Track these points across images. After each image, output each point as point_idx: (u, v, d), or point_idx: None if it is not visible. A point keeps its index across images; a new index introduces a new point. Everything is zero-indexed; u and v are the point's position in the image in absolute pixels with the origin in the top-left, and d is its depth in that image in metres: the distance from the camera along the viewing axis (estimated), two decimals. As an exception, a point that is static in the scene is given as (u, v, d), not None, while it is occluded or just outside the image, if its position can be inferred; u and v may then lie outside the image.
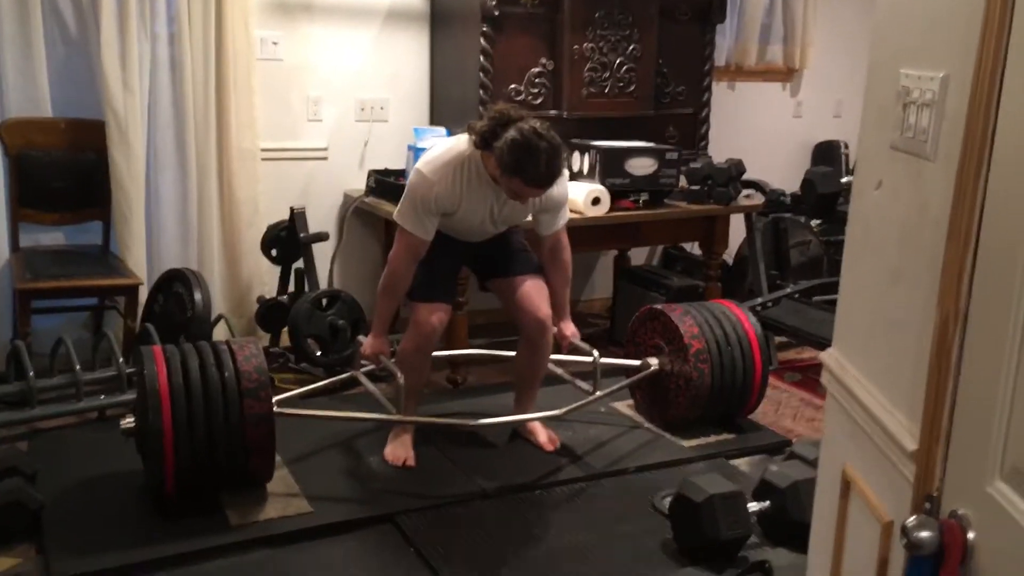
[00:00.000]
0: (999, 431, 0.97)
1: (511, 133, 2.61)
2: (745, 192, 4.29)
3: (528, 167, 2.61)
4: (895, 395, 1.28)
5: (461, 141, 2.80)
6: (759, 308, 4.08)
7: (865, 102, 1.44)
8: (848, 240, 1.49)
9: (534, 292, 3.01)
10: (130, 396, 3.12)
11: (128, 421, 2.65)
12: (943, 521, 1.05)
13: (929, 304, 1.16)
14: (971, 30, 1.05)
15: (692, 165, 4.11)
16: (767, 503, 2.61)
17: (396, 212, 2.86)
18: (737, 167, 4.10)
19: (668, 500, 2.72)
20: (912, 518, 1.05)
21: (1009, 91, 0.99)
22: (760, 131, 5.15)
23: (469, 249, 3.03)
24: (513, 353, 3.34)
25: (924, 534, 1.03)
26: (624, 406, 3.51)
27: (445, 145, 2.85)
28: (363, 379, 3.11)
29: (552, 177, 2.69)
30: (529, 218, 3.02)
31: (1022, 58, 0.96)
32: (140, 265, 3.67)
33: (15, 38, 3.45)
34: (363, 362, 3.13)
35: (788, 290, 4.34)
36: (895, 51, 1.33)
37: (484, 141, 2.69)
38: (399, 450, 3.03)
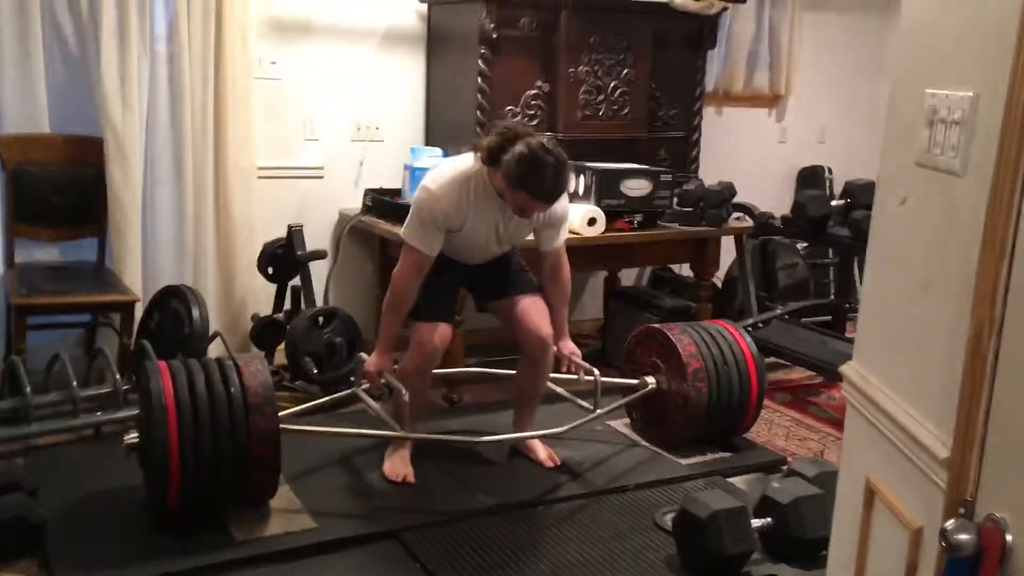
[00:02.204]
0: (1038, 434, 1.01)
1: (519, 147, 2.66)
2: (735, 215, 4.36)
3: (535, 181, 2.65)
4: (923, 404, 1.31)
5: (467, 159, 2.83)
6: (750, 329, 4.13)
7: (887, 121, 1.49)
8: (870, 255, 1.52)
9: (535, 311, 3.04)
10: (127, 413, 3.10)
11: (132, 436, 2.63)
12: (981, 524, 1.08)
13: (959, 313, 1.19)
14: (1003, 47, 1.10)
15: (685, 187, 4.17)
16: (769, 520, 2.64)
17: (403, 229, 2.88)
18: (729, 190, 4.17)
19: (670, 516, 2.74)
20: (951, 521, 1.08)
21: (1046, 107, 1.03)
22: (746, 155, 5.24)
23: (468, 271, 3.06)
24: (509, 372, 3.37)
25: (963, 537, 1.07)
26: (621, 424, 3.54)
27: (451, 163, 2.88)
28: (364, 396, 3.11)
29: (558, 192, 2.73)
30: (531, 237, 3.05)
31: (1059, 76, 1.01)
32: (136, 282, 3.66)
33: (15, 54, 3.45)
34: (364, 380, 3.13)
35: (779, 311, 4.40)
36: (919, 71, 1.38)
37: (492, 156, 2.72)
38: (398, 466, 3.03)
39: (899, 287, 1.40)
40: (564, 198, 2.96)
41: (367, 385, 3.12)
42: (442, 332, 2.93)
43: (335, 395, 3.30)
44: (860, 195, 4.17)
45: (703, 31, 4.44)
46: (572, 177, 3.94)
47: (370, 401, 3.07)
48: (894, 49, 1.50)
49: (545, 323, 3.03)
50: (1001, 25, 1.12)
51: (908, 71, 1.44)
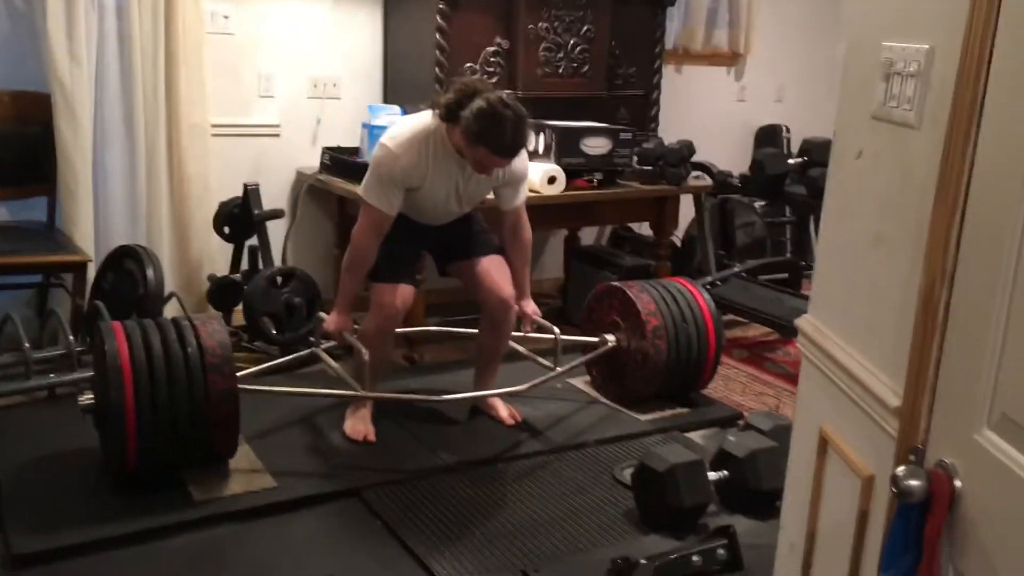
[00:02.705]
0: (987, 382, 1.03)
1: (477, 102, 2.63)
2: (694, 173, 4.37)
3: (494, 135, 2.64)
4: (876, 355, 1.34)
5: (425, 116, 2.80)
6: (708, 287, 4.17)
7: (843, 75, 1.49)
8: (826, 209, 1.54)
9: (496, 272, 3.03)
10: (81, 374, 3.06)
11: (87, 397, 2.59)
12: (931, 470, 1.11)
13: (912, 266, 1.21)
14: (959, 2, 1.11)
15: (644, 146, 4.17)
16: (725, 472, 2.69)
17: (361, 187, 2.85)
18: (688, 148, 4.18)
19: (629, 471, 2.78)
20: (901, 468, 1.11)
21: (999, 59, 1.04)
22: (705, 114, 5.25)
23: (430, 233, 3.03)
24: (470, 331, 3.37)
25: (913, 482, 1.09)
26: (581, 382, 3.57)
27: (410, 121, 2.84)
28: (324, 356, 3.10)
29: (517, 146, 2.72)
30: (491, 196, 3.04)
31: (1012, 27, 1.02)
32: (88, 242, 3.58)
33: (-46, 6, 3.34)
34: (323, 339, 3.12)
35: (736, 269, 4.45)
36: (875, 25, 1.38)
37: (450, 113, 2.70)
38: (359, 425, 3.03)
39: (854, 240, 1.42)
40: (524, 156, 2.94)
41: (327, 344, 3.10)
42: (403, 293, 2.92)
43: (295, 355, 3.28)
44: (818, 153, 4.21)
45: (663, -12, 4.41)
46: (532, 136, 3.92)
47: (330, 361, 3.06)
48: (850, 3, 1.50)
49: (507, 284, 3.03)
50: (957, -23, 1.13)
51: (864, 25, 1.44)
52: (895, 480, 1.09)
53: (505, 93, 2.72)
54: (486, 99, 2.64)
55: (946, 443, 1.11)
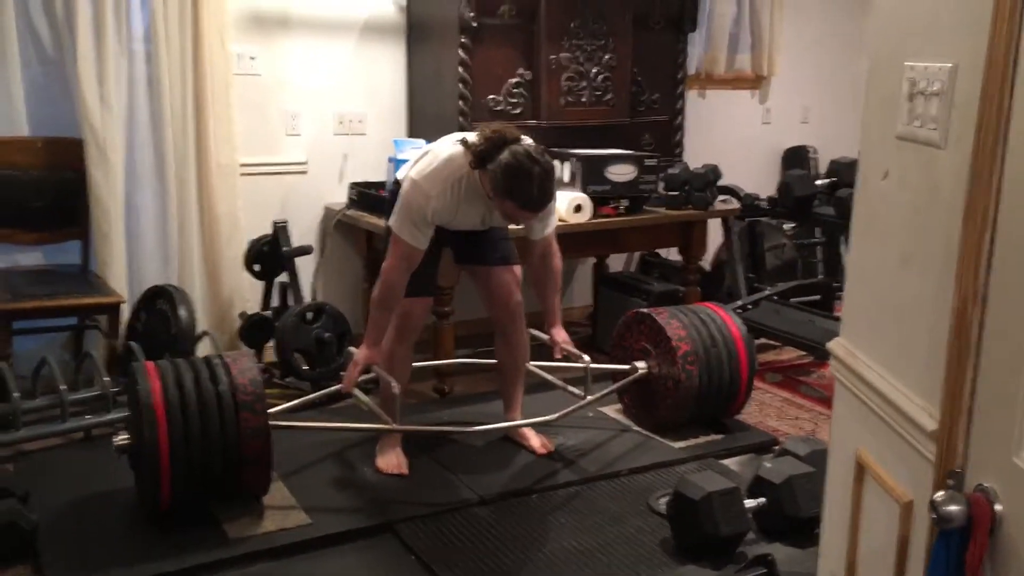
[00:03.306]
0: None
1: (505, 156, 2.63)
2: (721, 197, 4.36)
3: (521, 191, 2.65)
4: (909, 377, 1.31)
5: (457, 154, 2.80)
6: (739, 311, 4.13)
7: (866, 96, 1.48)
8: (854, 230, 1.52)
9: (508, 280, 3.08)
10: (116, 415, 3.10)
11: (122, 438, 2.62)
12: (970, 495, 1.08)
13: (942, 286, 1.19)
14: (980, 19, 1.10)
15: (670, 171, 4.16)
16: (762, 499, 2.64)
17: (392, 220, 2.86)
18: (714, 172, 4.16)
19: (664, 500, 2.75)
20: (940, 493, 1.09)
21: (1023, 75, 1.03)
22: (731, 138, 5.24)
23: (450, 234, 3.04)
24: (496, 360, 3.36)
25: (953, 508, 1.07)
26: (612, 410, 3.54)
27: (441, 156, 2.83)
28: (354, 390, 3.10)
29: (544, 201, 2.73)
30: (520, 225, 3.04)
31: (1036, 43, 1.01)
32: (121, 283, 3.64)
33: (-10, 57, 3.42)
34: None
35: (767, 292, 4.41)
36: (897, 45, 1.37)
37: (480, 161, 2.71)
38: (391, 459, 3.03)
39: (882, 261, 1.40)
40: (553, 196, 2.96)
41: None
42: (422, 304, 3.01)
43: (325, 390, 3.29)
44: (845, 173, 4.17)
45: (684, 14, 4.42)
46: (556, 165, 3.93)
47: (361, 395, 3.06)
48: (871, 24, 1.50)
49: (516, 291, 3.09)
50: (977, -5, 1.12)
51: (886, 45, 1.43)
52: (934, 506, 1.07)
53: (534, 145, 2.72)
54: (513, 153, 2.63)
55: (985, 466, 1.09)
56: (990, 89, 1.08)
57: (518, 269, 3.12)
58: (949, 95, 1.21)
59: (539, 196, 2.68)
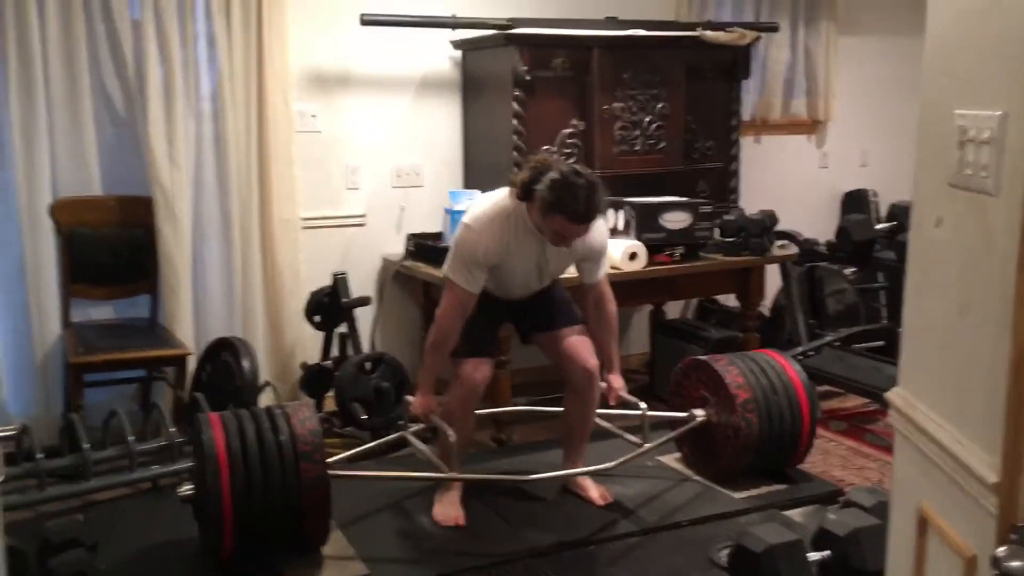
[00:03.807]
0: (1088, 456, 0.98)
1: (551, 175, 2.72)
2: (778, 243, 4.32)
3: (568, 203, 2.69)
4: (969, 428, 1.29)
5: (504, 196, 2.87)
6: (800, 357, 4.07)
7: (918, 143, 1.48)
8: (909, 279, 1.51)
9: (580, 343, 3.05)
10: (182, 465, 3.16)
11: (186, 488, 2.67)
12: (1034, 550, 1.06)
13: (1000, 335, 1.17)
14: (1028, 68, 1.09)
15: (726, 217, 4.15)
16: (827, 552, 2.58)
17: (445, 266, 2.91)
18: (770, 218, 4.14)
19: (725, 553, 2.70)
20: (1003, 548, 1.06)
21: (1073, 124, 1.02)
22: (788, 183, 5.20)
23: (511, 306, 3.08)
24: (557, 409, 3.36)
25: (1016, 563, 1.04)
26: (672, 459, 3.50)
27: (489, 200, 2.92)
28: (412, 439, 3.13)
29: (592, 212, 2.75)
30: (573, 272, 3.06)
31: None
32: (188, 335, 3.74)
33: (65, 120, 3.58)
34: (411, 422, 3.16)
35: (828, 338, 4.34)
36: (947, 93, 1.37)
37: (526, 191, 2.77)
38: (449, 509, 3.04)
39: (939, 310, 1.38)
40: (603, 230, 2.99)
41: (415, 427, 3.13)
42: (482, 367, 2.97)
43: (384, 439, 3.32)
44: (906, 217, 4.10)
45: (736, 62, 4.44)
46: (611, 213, 3.95)
47: (418, 443, 3.09)
48: (922, 71, 1.50)
49: (591, 355, 3.04)
50: (1025, 43, 1.12)
51: (936, 92, 1.43)
52: (996, 562, 1.05)
53: (577, 164, 2.77)
54: (559, 170, 2.73)
55: (1049, 521, 1.06)
56: (1040, 137, 1.07)
57: (586, 331, 3.09)
58: (1000, 142, 1.20)
59: (587, 207, 2.71)
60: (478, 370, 2.94)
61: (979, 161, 1.25)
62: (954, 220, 1.34)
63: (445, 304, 2.90)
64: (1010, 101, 1.18)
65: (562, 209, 2.70)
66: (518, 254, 2.87)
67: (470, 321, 2.93)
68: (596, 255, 3.00)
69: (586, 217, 2.75)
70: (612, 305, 3.09)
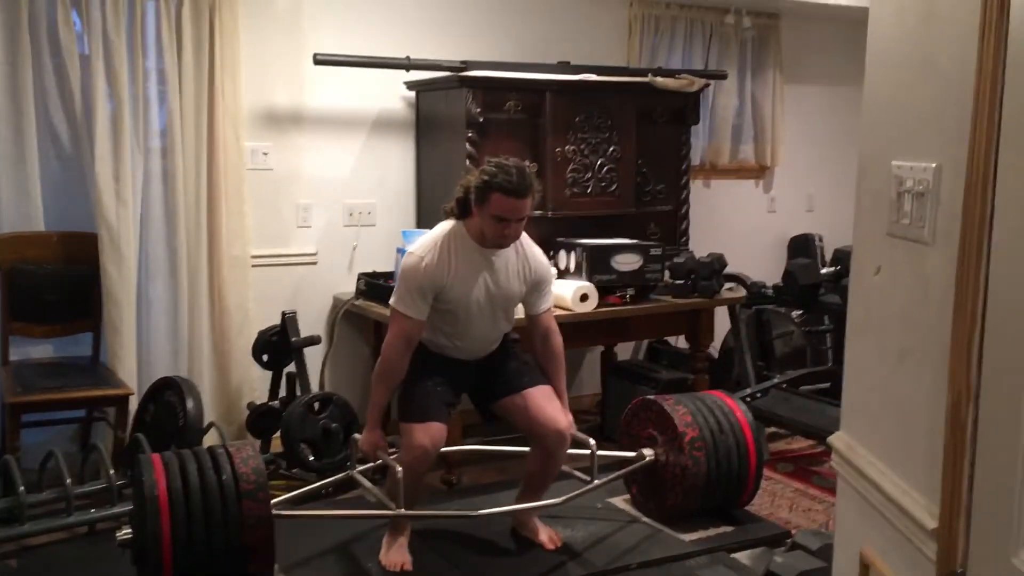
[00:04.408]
0: (1021, 501, 1.00)
1: (479, 171, 2.84)
2: (727, 285, 4.38)
3: (500, 178, 2.76)
4: (909, 474, 1.31)
5: (443, 223, 2.93)
6: (748, 399, 4.11)
7: (858, 193, 1.52)
8: (849, 324, 1.54)
9: (547, 404, 2.98)
10: (121, 509, 3.08)
11: (125, 532, 2.60)
12: (972, 596, 1.07)
13: (937, 381, 1.20)
14: (961, 122, 1.13)
15: (676, 260, 4.20)
16: (774, 595, 2.59)
17: (391, 298, 2.90)
18: (719, 261, 4.20)
19: (674, 596, 2.69)
20: (942, 594, 1.07)
21: (1004, 174, 1.05)
22: (736, 226, 5.29)
23: (467, 373, 3.02)
24: (508, 449, 3.33)
25: (954, 609, 1.05)
26: (621, 500, 3.50)
27: (430, 232, 2.96)
28: (360, 478, 3.08)
29: (525, 184, 2.78)
30: (520, 314, 3.06)
31: (1015, 143, 1.03)
32: (131, 375, 3.66)
33: (10, 154, 3.51)
34: (359, 462, 3.11)
35: (776, 380, 4.39)
36: (885, 144, 1.41)
37: (461, 206, 2.84)
38: (395, 555, 2.98)
39: (878, 356, 1.41)
40: (545, 260, 3.02)
41: (363, 467, 3.08)
42: (433, 432, 2.84)
43: (330, 479, 3.27)
44: (849, 262, 4.19)
45: (686, 107, 4.53)
46: (562, 254, 3.98)
47: (366, 482, 3.04)
48: (861, 123, 1.54)
49: (561, 415, 2.98)
50: (959, 99, 1.16)
51: (874, 144, 1.47)
52: (936, 607, 1.05)
53: None
54: (486, 162, 2.87)
55: (985, 566, 1.08)
56: (973, 188, 1.11)
57: (551, 389, 3.04)
58: (935, 194, 1.24)
59: (519, 179, 2.77)
60: (427, 436, 2.82)
61: (915, 211, 1.29)
62: (892, 268, 1.37)
63: (390, 335, 2.88)
64: (944, 154, 1.22)
65: (496, 185, 2.75)
66: (462, 269, 2.85)
67: (423, 383, 2.89)
68: (542, 283, 3.00)
69: (520, 189, 2.77)
70: (558, 339, 3.09)
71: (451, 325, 2.92)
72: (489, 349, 3.03)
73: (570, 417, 3.10)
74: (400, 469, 2.78)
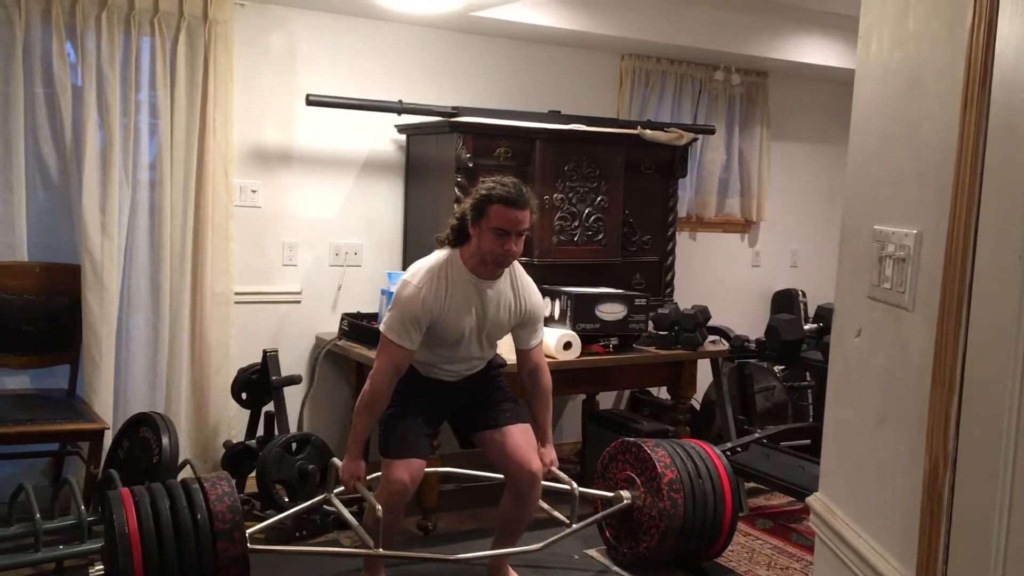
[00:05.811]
0: (996, 569, 1.00)
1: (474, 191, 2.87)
2: (710, 338, 4.39)
3: (498, 190, 2.78)
4: (885, 537, 1.30)
5: (436, 253, 2.93)
6: (729, 453, 4.10)
7: (840, 255, 1.53)
8: (830, 385, 1.54)
9: (524, 443, 2.98)
10: (91, 546, 3.02)
11: (96, 570, 2.55)
12: (946, 665, 1.06)
13: (915, 446, 1.20)
14: (942, 190, 1.15)
15: (660, 311, 4.21)
16: (749, 654, 2.56)
17: (383, 325, 2.88)
18: (703, 313, 4.21)
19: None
20: (916, 662, 1.06)
21: (983, 243, 1.06)
22: (721, 279, 5.32)
23: (451, 398, 3.02)
24: (484, 483, 3.28)
25: None
26: (597, 552, 3.47)
27: (424, 260, 2.94)
28: (337, 503, 3.04)
29: (522, 196, 2.79)
30: (510, 344, 3.05)
31: (994, 214, 1.05)
32: (107, 409, 3.61)
33: (-4, 184, 3.51)
34: (335, 486, 3.08)
35: (757, 435, 4.38)
36: (868, 208, 1.43)
37: (457, 234, 2.85)
38: (370, 599, 2.94)
39: (858, 419, 1.41)
40: (538, 294, 3.02)
41: (339, 490, 3.04)
42: (413, 468, 2.84)
43: (306, 503, 3.22)
44: (831, 320, 4.21)
45: (674, 160, 4.57)
46: (547, 302, 3.98)
47: (343, 509, 3.00)
48: (844, 186, 1.56)
49: (535, 457, 2.98)
50: (941, 167, 1.17)
51: (857, 207, 1.49)
52: (910, 676, 1.04)
53: None
54: (480, 182, 2.88)
55: (961, 636, 1.07)
56: (952, 256, 1.12)
57: (530, 428, 3.04)
58: (915, 260, 1.25)
59: (517, 191, 2.79)
60: (407, 472, 2.81)
61: (896, 276, 1.30)
62: (872, 331, 1.38)
63: (379, 363, 2.85)
64: (925, 220, 1.24)
65: (495, 197, 2.77)
66: (457, 301, 2.85)
67: (405, 417, 2.88)
68: (532, 319, 3.00)
69: (518, 199, 2.78)
70: (547, 376, 3.08)
71: (437, 348, 2.92)
72: (475, 369, 3.03)
73: (554, 455, 3.09)
74: (379, 507, 2.75)
